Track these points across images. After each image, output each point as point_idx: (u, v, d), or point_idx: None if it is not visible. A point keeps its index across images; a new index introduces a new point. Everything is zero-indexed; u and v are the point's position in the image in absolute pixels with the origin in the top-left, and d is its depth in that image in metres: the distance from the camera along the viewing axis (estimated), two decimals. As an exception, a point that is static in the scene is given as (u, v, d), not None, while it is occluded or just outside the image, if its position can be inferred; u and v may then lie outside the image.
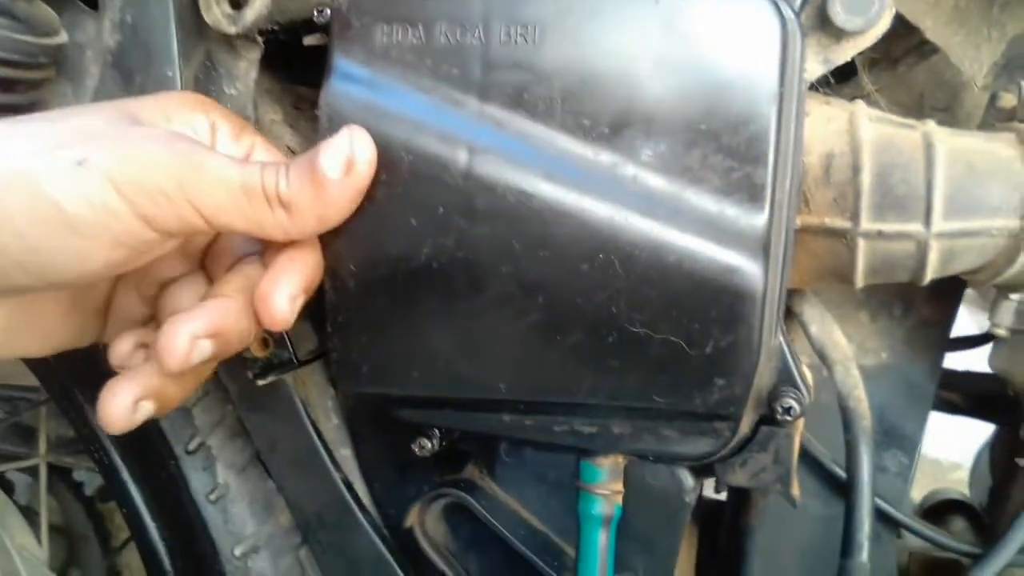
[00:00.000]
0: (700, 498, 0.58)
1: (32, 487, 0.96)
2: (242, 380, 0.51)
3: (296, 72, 0.55)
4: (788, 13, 0.37)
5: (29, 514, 0.92)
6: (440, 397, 0.43)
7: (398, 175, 0.38)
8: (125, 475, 0.66)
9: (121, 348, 0.39)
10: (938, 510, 0.62)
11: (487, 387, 0.40)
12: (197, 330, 0.35)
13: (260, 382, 0.46)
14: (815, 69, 0.41)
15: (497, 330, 0.39)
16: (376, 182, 0.38)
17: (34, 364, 0.70)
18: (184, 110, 0.39)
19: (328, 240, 0.40)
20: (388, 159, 0.38)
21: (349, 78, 0.39)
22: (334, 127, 0.38)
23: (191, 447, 0.62)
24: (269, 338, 0.46)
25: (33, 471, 0.91)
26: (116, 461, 0.66)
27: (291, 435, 0.53)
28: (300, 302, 0.37)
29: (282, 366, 0.46)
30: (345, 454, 0.57)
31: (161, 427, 0.62)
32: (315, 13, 0.44)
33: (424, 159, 0.38)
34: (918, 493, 0.65)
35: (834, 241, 0.42)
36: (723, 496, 0.60)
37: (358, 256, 0.40)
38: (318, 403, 0.55)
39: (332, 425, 0.56)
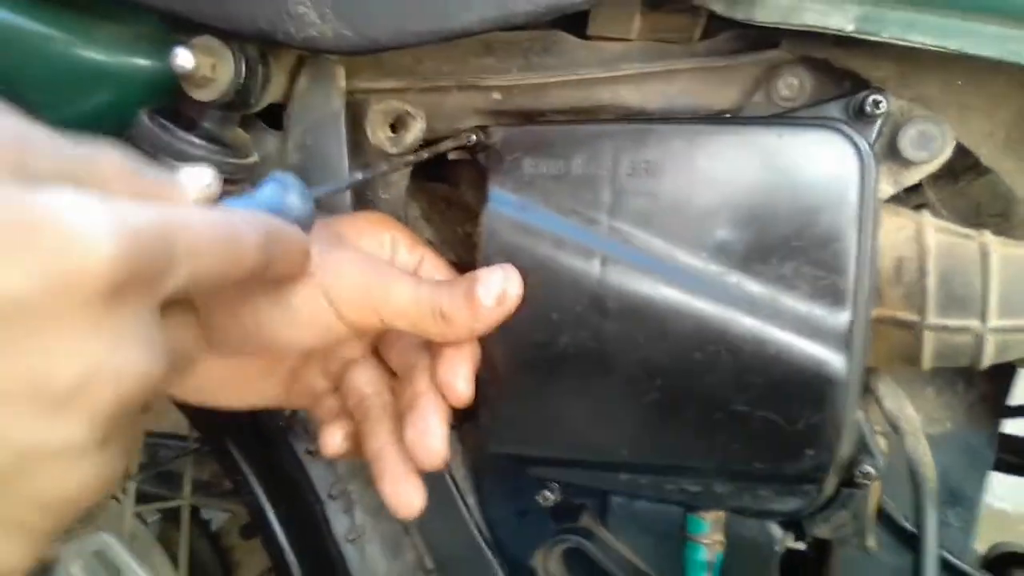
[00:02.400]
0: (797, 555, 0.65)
1: (161, 524, 1.07)
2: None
3: (431, 173, 0.65)
4: (864, 147, 0.46)
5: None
6: (570, 459, 0.51)
7: (544, 279, 0.47)
8: (271, 515, 0.76)
9: (333, 440, 0.49)
10: (1002, 561, 0.68)
11: (611, 452, 0.49)
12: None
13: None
14: (887, 190, 0.49)
15: (622, 406, 0.48)
16: (526, 284, 0.47)
17: (193, 416, 0.81)
18: (373, 228, 0.49)
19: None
20: (536, 266, 0.47)
21: (503, 202, 0.48)
22: (492, 243, 0.48)
23: (334, 492, 0.71)
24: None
25: (168, 511, 1.02)
26: (264, 503, 0.76)
27: (432, 484, 0.62)
28: (473, 382, 0.46)
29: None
30: (470, 502, 0.65)
31: (309, 474, 0.72)
32: (464, 137, 0.54)
33: (565, 268, 0.47)
34: (984, 545, 0.71)
35: (904, 332, 0.50)
36: (803, 546, 0.67)
37: (509, 342, 0.49)
38: (452, 455, 0.64)
39: (461, 476, 0.65)
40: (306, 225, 0.40)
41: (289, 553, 0.75)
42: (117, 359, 0.25)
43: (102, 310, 0.24)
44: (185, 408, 0.80)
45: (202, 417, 0.79)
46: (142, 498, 1.00)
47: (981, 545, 0.70)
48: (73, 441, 0.25)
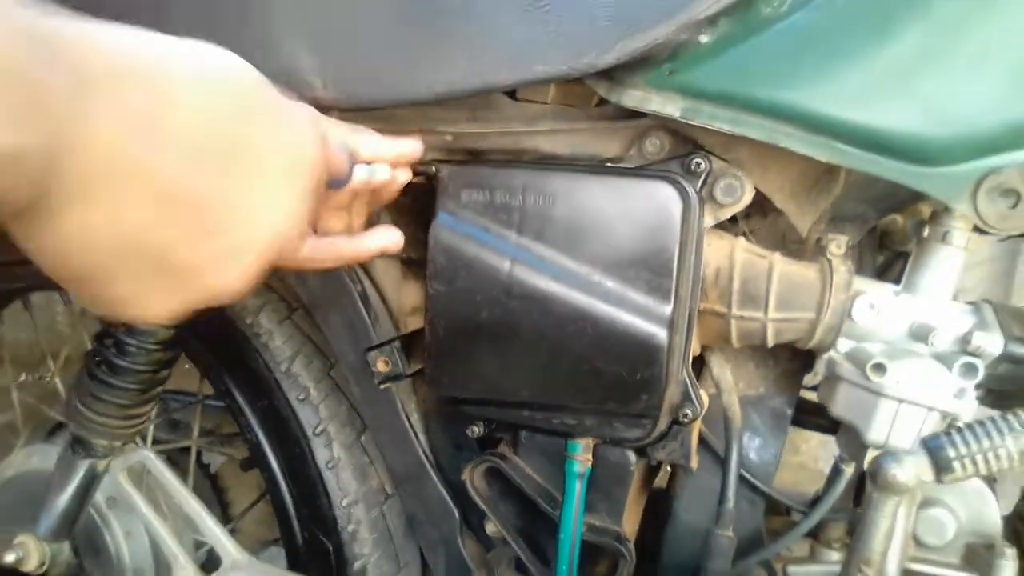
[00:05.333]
0: (654, 469, 0.88)
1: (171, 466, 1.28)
2: (366, 385, 0.82)
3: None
4: (691, 192, 0.68)
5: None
6: (487, 399, 0.73)
7: (471, 272, 0.69)
8: (267, 449, 0.98)
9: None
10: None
11: (516, 394, 0.71)
12: None
13: (382, 387, 0.77)
14: (710, 221, 0.71)
15: (523, 361, 0.70)
16: (459, 276, 0.69)
17: (200, 364, 1.03)
18: None
19: (429, 305, 0.71)
20: (466, 263, 0.69)
21: (446, 219, 0.70)
22: (437, 245, 0.70)
23: (317, 431, 0.93)
24: (388, 359, 0.77)
25: (175, 455, 1.23)
26: (261, 440, 0.98)
27: (393, 422, 0.84)
28: None
29: (396, 377, 0.77)
30: (421, 437, 0.88)
31: (298, 415, 0.93)
32: (428, 168, 0.76)
33: (486, 265, 0.69)
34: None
35: (719, 320, 0.73)
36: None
37: (447, 314, 0.71)
38: (406, 403, 0.86)
39: (414, 418, 0.87)
40: None
41: (280, 478, 0.97)
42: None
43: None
44: (201, 363, 1.02)
45: (215, 371, 1.00)
46: (156, 442, 1.21)
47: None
48: (299, 200, 0.47)
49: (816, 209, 0.72)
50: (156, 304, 0.42)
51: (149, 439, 1.13)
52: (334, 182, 0.55)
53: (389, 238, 0.65)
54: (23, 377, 1.26)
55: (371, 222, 0.68)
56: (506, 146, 0.76)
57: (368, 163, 0.61)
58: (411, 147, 0.66)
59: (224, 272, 0.43)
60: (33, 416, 1.29)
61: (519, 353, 0.70)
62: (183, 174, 0.39)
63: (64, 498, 0.92)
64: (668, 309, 0.67)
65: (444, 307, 0.71)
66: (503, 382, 0.72)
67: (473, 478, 0.81)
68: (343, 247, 0.62)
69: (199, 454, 1.26)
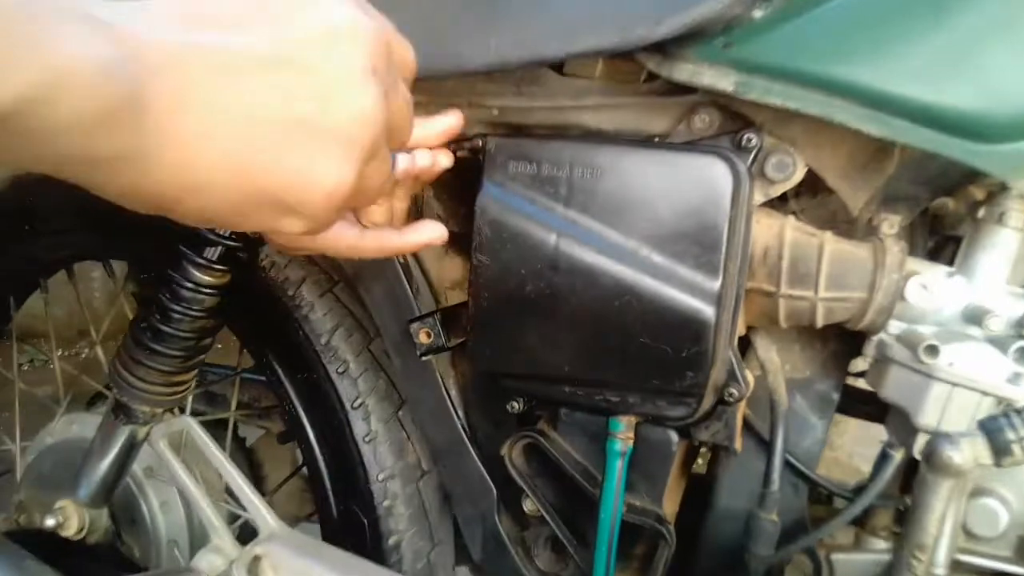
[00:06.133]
0: (694, 451, 0.87)
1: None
2: (407, 357, 0.82)
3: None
4: (741, 168, 0.67)
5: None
6: (529, 374, 0.73)
7: (517, 245, 0.69)
8: (305, 421, 0.98)
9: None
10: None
11: (557, 370, 0.71)
12: None
13: (424, 359, 0.77)
14: (759, 198, 0.70)
15: (565, 336, 0.69)
16: (504, 249, 0.69)
17: (241, 335, 1.03)
18: None
19: (473, 278, 0.71)
20: (512, 236, 0.69)
21: (492, 191, 0.70)
22: (482, 219, 0.69)
23: (355, 404, 0.94)
24: (430, 330, 0.77)
25: (213, 427, 1.24)
26: (300, 412, 0.98)
27: (433, 396, 0.84)
28: None
29: (438, 349, 0.77)
30: (460, 411, 0.87)
31: (337, 388, 0.94)
32: (475, 142, 0.76)
33: (532, 238, 0.69)
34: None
35: (767, 299, 0.72)
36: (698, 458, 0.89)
37: (490, 288, 0.71)
38: (446, 378, 0.86)
39: (453, 393, 0.87)
40: None
41: (317, 450, 0.97)
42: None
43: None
44: (243, 334, 1.03)
45: (255, 342, 1.01)
46: (194, 413, 1.22)
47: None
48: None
49: (868, 188, 0.71)
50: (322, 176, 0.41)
51: (188, 410, 1.14)
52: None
53: (434, 233, 0.64)
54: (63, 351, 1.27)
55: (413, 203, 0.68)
56: (551, 121, 0.76)
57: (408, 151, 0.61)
58: (451, 122, 0.64)
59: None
60: (74, 387, 1.30)
61: (563, 328, 0.69)
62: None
63: (105, 464, 0.93)
64: (716, 285, 0.66)
65: (488, 279, 0.71)
66: (546, 357, 0.71)
67: (512, 454, 0.81)
68: (389, 240, 0.62)
69: (235, 427, 1.27)
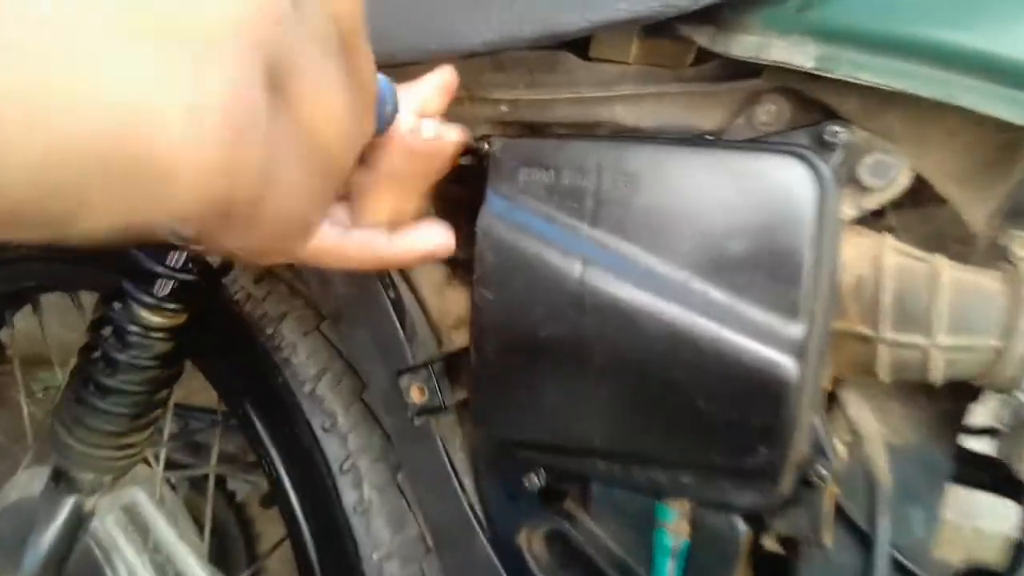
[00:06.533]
0: (759, 545, 0.69)
1: (190, 493, 1.14)
2: (399, 417, 0.66)
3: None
4: (825, 172, 0.50)
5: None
6: (551, 443, 0.56)
7: (530, 277, 0.53)
8: (288, 485, 0.82)
9: None
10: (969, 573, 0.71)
11: (586, 439, 0.54)
12: None
13: (416, 422, 0.60)
14: (849, 212, 0.53)
15: (597, 395, 0.53)
16: (514, 281, 0.52)
17: (214, 381, 0.88)
18: None
19: (475, 318, 0.54)
20: (523, 264, 0.53)
21: (498, 205, 0.54)
22: (486, 240, 0.53)
23: (345, 467, 0.77)
24: (424, 386, 0.60)
25: (197, 479, 1.09)
26: (282, 473, 0.82)
27: (432, 464, 0.67)
28: None
29: (434, 410, 0.60)
30: (467, 483, 0.71)
31: (323, 448, 0.78)
32: (480, 144, 0.60)
33: (549, 267, 0.52)
34: (956, 558, 0.74)
35: (863, 345, 0.54)
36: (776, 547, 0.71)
37: (497, 333, 0.54)
38: (450, 440, 0.70)
39: (459, 458, 0.71)
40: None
41: (302, 520, 0.81)
42: None
43: None
44: (214, 379, 0.87)
45: (229, 389, 0.85)
46: (173, 466, 1.07)
47: (954, 558, 0.73)
48: None
49: (993, 196, 0.53)
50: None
51: (161, 461, 0.99)
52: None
53: (437, 238, 0.49)
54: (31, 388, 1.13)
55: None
56: (575, 117, 0.59)
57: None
58: (443, 76, 0.50)
59: None
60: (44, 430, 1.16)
61: (592, 385, 0.53)
62: None
63: (48, 539, 0.78)
64: (798, 329, 0.49)
65: (494, 321, 0.54)
66: (570, 423, 0.54)
67: (531, 544, 0.64)
68: (380, 247, 0.48)
69: (223, 481, 1.12)
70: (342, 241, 0.46)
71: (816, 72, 0.49)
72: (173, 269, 0.67)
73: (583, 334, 0.52)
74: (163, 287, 0.68)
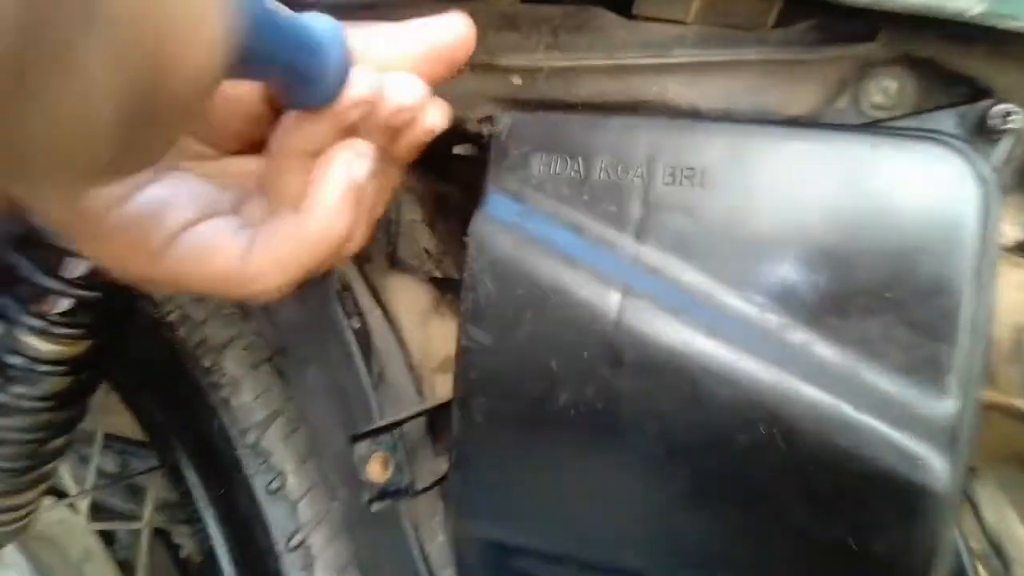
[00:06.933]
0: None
1: (132, 542, 0.97)
2: (354, 491, 0.49)
3: (440, 172, 0.55)
4: (986, 172, 0.33)
5: (126, 569, 0.92)
6: (559, 553, 0.39)
7: (543, 313, 0.36)
8: (224, 562, 0.65)
9: None
10: None
11: (614, 552, 0.37)
12: None
13: (374, 508, 0.43)
14: (1010, 233, 0.36)
15: (634, 493, 0.36)
16: (520, 318, 0.36)
17: (147, 427, 0.71)
18: None
19: (461, 368, 0.38)
20: (535, 296, 0.36)
21: (501, 208, 0.37)
22: (481, 259, 0.36)
23: (292, 543, 0.60)
24: (388, 456, 0.43)
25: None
26: (216, 544, 0.65)
27: (398, 558, 0.50)
28: None
29: (398, 492, 0.43)
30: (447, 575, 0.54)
31: (266, 517, 0.61)
32: (476, 122, 0.43)
33: (573, 300, 0.36)
34: None
35: (1015, 423, 0.37)
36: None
37: (491, 390, 0.37)
38: (424, 519, 0.52)
39: (437, 543, 0.53)
40: None
41: (238, 607, 0.64)
42: None
43: None
44: (140, 417, 0.70)
45: (157, 432, 0.68)
46: (103, 512, 0.90)
47: None
48: None
49: None
50: None
51: (86, 511, 0.82)
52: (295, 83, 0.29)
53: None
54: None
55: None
56: (612, 93, 0.44)
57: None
58: (455, 25, 0.33)
59: None
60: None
61: (627, 476, 0.36)
62: None
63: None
64: (949, 409, 0.32)
65: (489, 375, 0.37)
66: (591, 527, 0.37)
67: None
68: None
69: (164, 534, 0.95)
70: (249, 256, 0.30)
71: (980, 22, 0.32)
72: (68, 283, 0.50)
73: (618, 400, 0.35)
74: (55, 306, 0.51)
